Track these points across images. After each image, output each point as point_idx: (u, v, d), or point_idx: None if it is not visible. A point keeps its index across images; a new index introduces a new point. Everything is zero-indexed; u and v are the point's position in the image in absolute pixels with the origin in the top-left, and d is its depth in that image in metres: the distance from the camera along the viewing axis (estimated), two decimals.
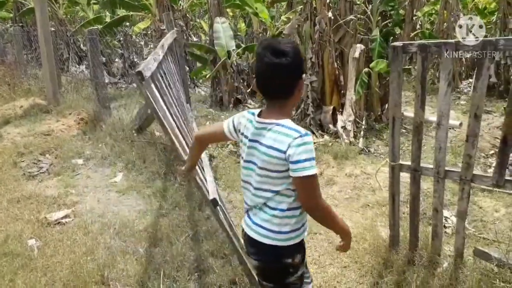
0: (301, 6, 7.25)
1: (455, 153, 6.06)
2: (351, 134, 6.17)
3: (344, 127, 6.22)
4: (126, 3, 9.68)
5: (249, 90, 9.28)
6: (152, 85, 2.45)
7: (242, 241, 2.04)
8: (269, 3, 9.34)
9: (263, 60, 1.60)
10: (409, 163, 2.90)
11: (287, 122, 1.64)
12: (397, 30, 7.67)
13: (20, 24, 14.32)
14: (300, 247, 1.81)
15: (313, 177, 1.59)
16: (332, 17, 6.63)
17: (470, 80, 10.65)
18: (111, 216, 4.13)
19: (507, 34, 9.18)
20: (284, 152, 1.58)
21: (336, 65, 6.80)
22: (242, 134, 1.79)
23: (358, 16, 7.11)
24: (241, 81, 9.01)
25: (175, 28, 4.72)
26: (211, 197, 2.50)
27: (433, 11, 12.53)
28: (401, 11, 7.57)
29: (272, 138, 1.63)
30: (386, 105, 7.65)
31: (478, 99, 2.46)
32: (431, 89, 11.01)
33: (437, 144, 2.71)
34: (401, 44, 2.60)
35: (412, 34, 7.22)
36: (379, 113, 7.30)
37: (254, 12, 8.52)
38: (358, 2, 7.33)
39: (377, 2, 7.18)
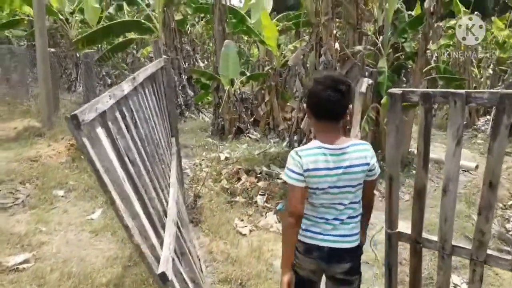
0: (308, 36, 6.90)
1: (469, 202, 5.49)
2: None
3: None
4: (134, 25, 9.50)
5: (252, 119, 8.88)
6: (99, 130, 2.03)
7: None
8: (279, 32, 9.04)
9: (327, 90, 1.93)
10: (409, 231, 2.40)
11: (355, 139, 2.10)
12: (410, 64, 7.22)
13: (33, 43, 14.40)
14: None
15: None
16: (339, 48, 6.24)
17: (488, 116, 10.08)
18: (75, 263, 3.69)
19: None
20: (368, 164, 2.02)
21: None
22: (310, 170, 1.95)
23: (368, 47, 6.70)
24: (244, 109, 8.63)
25: (163, 56, 4.35)
26: (159, 270, 2.04)
27: (451, 44, 12.11)
28: (414, 44, 7.14)
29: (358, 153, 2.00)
30: None
31: (495, 163, 1.97)
32: (445, 124, 10.48)
33: (443, 214, 2.21)
34: (400, 92, 2.15)
35: (426, 69, 6.75)
36: None
37: (260, 40, 8.20)
38: (369, 33, 6.93)
39: (389, 34, 6.77)
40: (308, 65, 6.50)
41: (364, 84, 5.92)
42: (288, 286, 2.01)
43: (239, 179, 5.88)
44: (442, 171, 6.37)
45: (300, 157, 1.96)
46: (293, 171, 1.96)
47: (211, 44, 16.67)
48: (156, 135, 3.59)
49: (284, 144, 7.16)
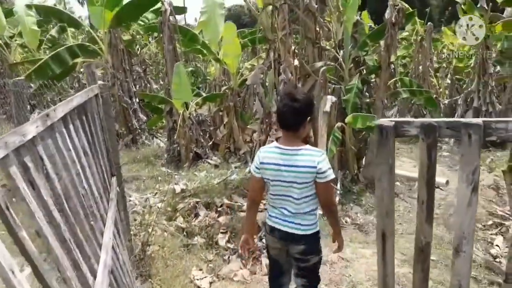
0: (265, 53, 6.42)
1: (448, 226, 5.09)
2: None
3: None
4: (80, 49, 8.67)
5: (210, 143, 8.25)
6: None
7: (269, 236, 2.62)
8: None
9: (285, 106, 2.38)
10: None
11: (307, 146, 2.46)
12: (372, 78, 6.90)
13: None
14: None
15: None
16: (299, 65, 5.78)
17: None
18: None
19: (487, 80, 8.63)
20: (315, 167, 2.34)
21: None
22: (264, 163, 2.46)
23: (328, 63, 6.30)
24: (201, 133, 7.99)
25: (99, 82, 3.65)
26: None
27: (407, 55, 12.11)
28: (375, 57, 6.84)
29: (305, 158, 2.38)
30: (363, 161, 6.75)
31: None
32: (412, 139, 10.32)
33: (456, 281, 1.68)
34: (392, 124, 1.61)
35: (390, 82, 6.43)
36: (355, 172, 6.35)
37: (216, 58, 7.64)
38: (328, 48, 6.55)
39: (349, 47, 6.41)
40: (267, 84, 5.99)
41: (328, 102, 5.47)
42: (245, 242, 2.70)
43: (197, 215, 5.22)
44: (416, 189, 6.01)
45: (260, 152, 2.54)
46: (254, 164, 2.55)
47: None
48: (85, 181, 2.88)
49: (247, 170, 6.57)
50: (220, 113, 8.34)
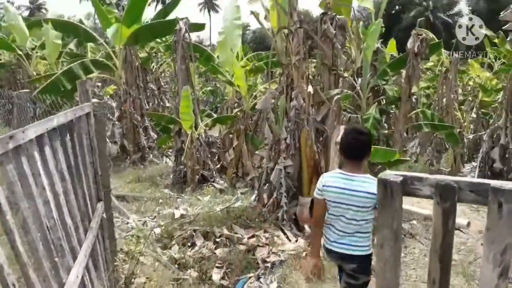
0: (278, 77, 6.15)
1: (467, 275, 4.59)
2: None
3: None
4: (94, 64, 8.62)
5: (218, 166, 7.95)
6: None
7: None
8: (249, 72, 8.30)
9: (353, 139, 2.70)
10: None
11: (367, 175, 2.71)
12: (392, 108, 6.54)
13: None
14: None
15: None
16: (312, 92, 5.48)
17: (474, 163, 9.43)
18: None
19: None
20: (374, 194, 2.46)
21: (316, 148, 5.53)
22: (327, 186, 2.74)
23: (345, 91, 5.99)
24: (210, 155, 7.71)
25: (92, 100, 3.42)
26: None
27: (431, 86, 11.68)
28: (396, 88, 6.49)
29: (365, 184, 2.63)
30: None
31: None
32: (429, 170, 9.78)
33: None
34: (400, 179, 1.26)
35: (410, 114, 6.05)
36: None
37: (228, 81, 7.42)
38: (345, 75, 6.25)
39: (368, 76, 6.09)
40: (278, 109, 5.70)
41: (341, 132, 5.11)
42: (315, 267, 2.90)
43: (193, 244, 4.88)
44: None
45: (323, 177, 2.81)
46: (317, 187, 2.81)
47: None
48: (56, 210, 2.59)
49: (253, 197, 6.22)
50: (230, 135, 8.07)
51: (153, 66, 10.89)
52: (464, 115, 10.45)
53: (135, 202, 6.56)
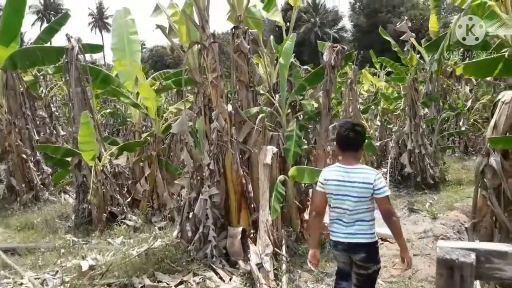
0: (193, 96, 5.61)
1: None
2: (271, 276, 4.26)
3: (260, 265, 4.31)
4: None
5: (129, 199, 7.06)
6: None
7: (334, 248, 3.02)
8: (155, 91, 7.57)
9: (347, 130, 2.92)
10: None
11: (364, 166, 3.02)
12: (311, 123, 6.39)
13: None
14: None
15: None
16: (233, 111, 5.04)
17: (383, 169, 9.82)
18: None
19: (418, 122, 8.62)
20: (371, 183, 2.79)
21: (242, 172, 5.08)
22: (328, 179, 2.93)
23: (264, 108, 5.66)
24: (118, 188, 6.80)
25: None
26: None
27: (333, 97, 12.06)
28: (313, 101, 6.37)
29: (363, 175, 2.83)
30: (306, 214, 6.08)
31: None
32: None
33: None
34: (472, 259, 0.84)
35: (330, 127, 5.93)
36: (299, 229, 5.62)
37: (133, 103, 6.64)
38: (262, 92, 5.93)
39: (285, 91, 5.85)
40: (196, 133, 5.14)
41: (269, 153, 4.75)
42: (313, 257, 3.10)
43: None
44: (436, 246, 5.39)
45: (324, 171, 3.06)
46: (319, 182, 3.03)
47: None
48: None
49: (175, 233, 5.52)
50: (141, 163, 7.23)
51: (42, 91, 9.53)
52: (370, 123, 10.95)
53: (29, 255, 5.41)
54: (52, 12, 59.20)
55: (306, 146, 6.28)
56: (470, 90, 12.70)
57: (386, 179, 9.27)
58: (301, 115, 6.30)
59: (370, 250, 2.89)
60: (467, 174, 9.63)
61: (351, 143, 2.91)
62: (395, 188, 8.83)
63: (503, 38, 3.95)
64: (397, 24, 8.34)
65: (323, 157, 5.80)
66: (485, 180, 3.80)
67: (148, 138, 7.01)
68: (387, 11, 43.36)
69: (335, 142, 3.19)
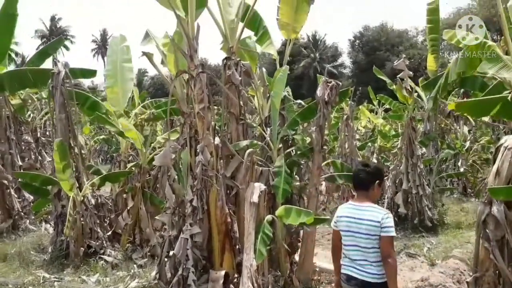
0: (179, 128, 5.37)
1: None
2: None
3: None
4: None
5: (110, 233, 6.68)
6: None
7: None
8: (145, 120, 7.36)
9: (359, 170, 3.16)
10: None
11: (375, 205, 3.06)
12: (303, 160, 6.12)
13: None
14: None
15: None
16: (221, 145, 4.77)
17: None
18: None
19: (415, 162, 8.35)
20: (379, 222, 2.89)
21: (228, 210, 4.75)
22: (339, 217, 3.14)
23: (255, 142, 5.40)
24: (98, 221, 6.43)
25: None
26: None
27: (329, 133, 11.88)
28: (305, 136, 6.13)
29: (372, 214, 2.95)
30: (296, 256, 5.71)
31: None
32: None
33: None
34: None
35: (323, 164, 5.67)
36: (288, 273, 5.24)
37: (119, 132, 6.39)
38: (254, 125, 5.70)
39: (277, 125, 5.61)
40: (181, 165, 4.85)
41: (256, 191, 4.44)
42: (337, 286, 3.32)
43: None
44: None
45: (338, 209, 3.27)
46: (333, 220, 3.24)
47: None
48: None
49: (153, 274, 5.13)
50: (124, 195, 6.90)
51: (29, 115, 9.30)
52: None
53: None
54: (56, 38, 60.16)
55: (298, 183, 5.99)
56: (469, 131, 12.53)
57: None
58: (293, 151, 6.04)
59: None
60: (466, 217, 9.29)
61: (361, 182, 3.11)
62: None
63: (503, 80, 3.76)
64: (395, 62, 8.24)
65: (315, 196, 5.49)
66: (487, 230, 3.48)
67: (133, 168, 6.71)
68: (385, 49, 44.13)
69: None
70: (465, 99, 6.12)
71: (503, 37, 4.69)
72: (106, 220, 6.84)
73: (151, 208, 6.78)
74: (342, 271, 3.12)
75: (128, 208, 6.70)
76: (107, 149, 21.76)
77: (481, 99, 3.87)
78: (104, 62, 67.89)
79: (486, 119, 11.79)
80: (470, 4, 39.45)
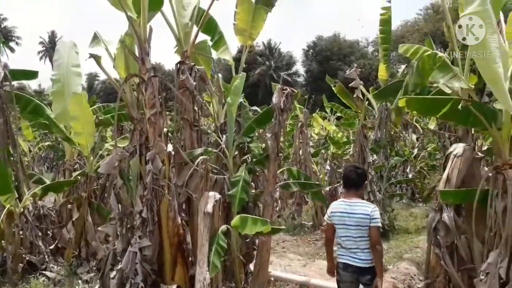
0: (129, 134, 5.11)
1: None
2: None
3: None
4: None
5: (53, 246, 6.23)
6: None
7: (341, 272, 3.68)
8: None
9: (350, 171, 3.80)
10: None
11: (363, 201, 3.74)
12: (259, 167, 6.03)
13: None
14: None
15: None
16: (174, 152, 4.57)
17: None
18: None
19: (367, 168, 8.52)
20: (368, 214, 3.49)
21: (180, 221, 4.55)
22: (333, 212, 3.68)
23: (210, 149, 5.26)
24: (40, 234, 5.98)
25: None
26: None
27: (286, 141, 11.94)
28: (262, 145, 6.05)
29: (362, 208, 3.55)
30: (251, 266, 5.58)
31: None
32: (292, 224, 9.62)
33: None
34: None
35: (278, 172, 5.61)
36: (243, 285, 5.10)
37: (66, 137, 6.00)
38: (209, 132, 5.55)
39: (233, 132, 5.50)
40: (130, 175, 4.59)
41: (211, 201, 4.28)
42: (330, 270, 3.89)
43: None
44: None
45: (331, 205, 3.79)
46: (326, 214, 3.80)
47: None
48: None
49: (97, 287, 4.80)
50: (69, 206, 6.47)
51: None
52: (319, 167, 10.81)
53: None
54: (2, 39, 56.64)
55: (253, 191, 5.89)
56: (417, 139, 13.07)
57: None
58: (249, 158, 5.94)
59: (373, 272, 3.51)
60: (415, 222, 9.63)
61: (353, 182, 3.71)
62: None
63: (451, 88, 3.88)
64: (347, 71, 8.41)
65: (270, 204, 5.40)
66: (438, 237, 3.55)
67: (79, 177, 6.31)
68: (338, 59, 45.47)
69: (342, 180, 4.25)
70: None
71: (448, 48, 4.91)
72: (48, 232, 6.38)
73: (98, 219, 6.40)
74: (340, 260, 3.65)
75: (73, 219, 6.28)
76: (53, 157, 20.64)
77: (432, 97, 3.92)
78: (52, 65, 64.90)
79: (432, 127, 12.37)
80: (416, 18, 41.63)
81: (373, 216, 3.45)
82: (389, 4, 6.92)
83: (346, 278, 3.60)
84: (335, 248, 3.88)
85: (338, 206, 3.67)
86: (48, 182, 6.41)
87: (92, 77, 54.97)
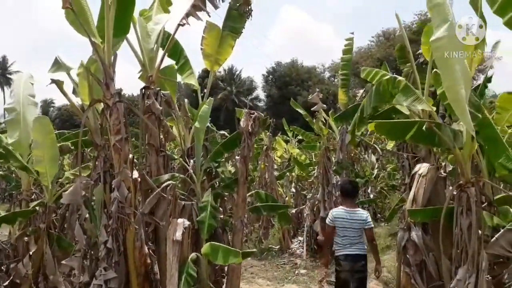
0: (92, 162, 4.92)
1: None
2: None
3: None
4: None
5: (7, 282, 5.78)
6: None
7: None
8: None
9: (347, 184, 5.20)
10: None
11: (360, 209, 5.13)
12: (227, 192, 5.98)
13: None
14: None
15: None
16: (139, 179, 4.44)
17: (300, 238, 9.61)
18: None
19: (331, 190, 8.68)
20: (364, 220, 4.75)
21: (147, 250, 4.39)
22: (336, 217, 4.79)
23: (177, 175, 5.16)
24: None
25: None
26: None
27: (252, 164, 11.93)
28: (230, 168, 6.02)
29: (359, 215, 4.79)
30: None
31: None
32: (259, 248, 9.53)
33: None
34: None
35: (248, 195, 5.59)
36: None
37: (23, 166, 5.69)
38: (176, 157, 5.45)
39: (200, 157, 5.45)
40: (93, 204, 4.41)
41: (179, 228, 4.18)
42: (325, 263, 5.55)
43: None
44: None
45: (332, 212, 4.93)
46: (329, 219, 4.85)
47: None
48: None
49: None
50: (26, 238, 6.06)
51: None
52: (285, 190, 10.87)
53: None
54: None
55: (222, 216, 5.81)
56: (377, 159, 13.47)
57: (302, 248, 9.03)
58: (217, 183, 5.88)
59: (366, 259, 4.74)
60: (379, 241, 9.76)
61: (351, 193, 4.90)
62: (312, 258, 8.61)
63: (413, 110, 4.06)
64: (309, 96, 8.64)
65: (241, 230, 5.34)
66: (407, 256, 3.63)
67: (37, 207, 5.96)
68: (296, 84, 46.65)
69: (339, 191, 5.69)
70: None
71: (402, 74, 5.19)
72: (2, 268, 5.93)
73: (58, 251, 6.02)
74: (340, 253, 4.68)
75: (31, 253, 5.86)
76: (5, 187, 19.49)
77: (399, 121, 4.07)
78: (3, 90, 62.01)
79: (390, 147, 12.83)
80: (369, 44, 43.67)
81: (367, 220, 4.68)
82: (353, 36, 7.74)
83: (345, 267, 4.58)
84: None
85: (339, 212, 4.75)
86: (1, 213, 6.00)
87: (47, 104, 53.06)
